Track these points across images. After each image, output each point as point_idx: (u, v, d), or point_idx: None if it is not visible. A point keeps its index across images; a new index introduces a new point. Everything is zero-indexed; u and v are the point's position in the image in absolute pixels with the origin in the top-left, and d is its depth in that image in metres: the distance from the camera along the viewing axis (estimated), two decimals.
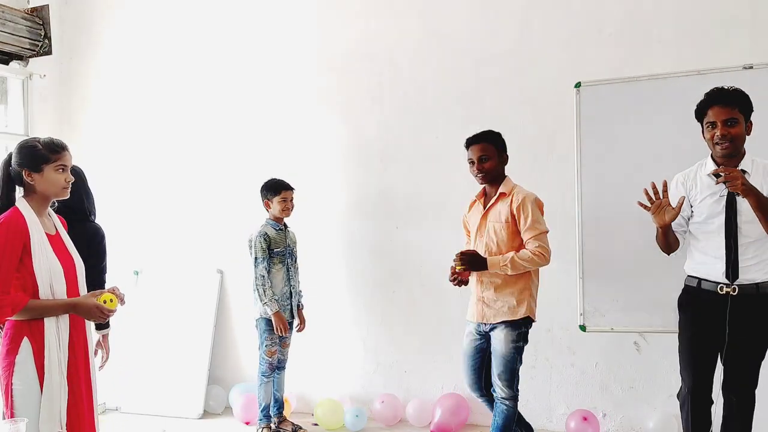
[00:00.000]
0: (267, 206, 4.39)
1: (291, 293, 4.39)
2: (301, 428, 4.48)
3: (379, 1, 4.84)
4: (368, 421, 4.67)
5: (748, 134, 2.96)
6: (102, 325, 3.09)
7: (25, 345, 2.47)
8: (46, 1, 5.31)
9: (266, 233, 4.31)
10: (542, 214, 3.46)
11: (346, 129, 4.90)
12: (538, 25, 4.45)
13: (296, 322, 4.46)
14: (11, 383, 2.45)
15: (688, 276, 3.11)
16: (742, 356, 2.96)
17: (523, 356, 3.51)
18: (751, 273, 2.89)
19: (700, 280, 3.03)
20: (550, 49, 4.40)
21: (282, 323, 4.25)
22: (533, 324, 3.52)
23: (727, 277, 2.92)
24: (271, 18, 5.10)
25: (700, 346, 3.04)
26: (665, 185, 3.02)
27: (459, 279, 3.53)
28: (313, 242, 4.83)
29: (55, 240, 2.61)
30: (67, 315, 2.56)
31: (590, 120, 3.59)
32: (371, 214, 4.87)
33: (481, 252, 3.48)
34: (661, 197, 3.00)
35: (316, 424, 4.66)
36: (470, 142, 3.57)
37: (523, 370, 4.47)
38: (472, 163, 3.54)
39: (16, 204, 2.55)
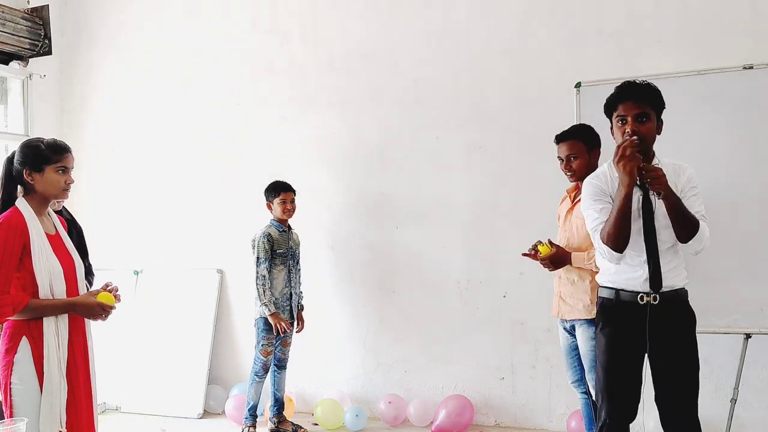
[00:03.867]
0: (269, 208, 4.40)
1: (291, 294, 4.40)
2: (301, 428, 4.48)
3: (379, 0, 4.84)
4: (369, 421, 4.67)
5: (659, 133, 2.77)
6: None
7: (24, 344, 2.47)
8: (46, 1, 5.31)
9: (269, 234, 4.32)
10: None
11: (346, 129, 4.90)
12: (538, 25, 4.45)
13: (295, 322, 4.46)
14: (10, 382, 2.46)
15: (603, 287, 2.83)
16: (677, 373, 2.69)
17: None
18: (670, 280, 2.69)
19: (617, 290, 2.75)
20: (550, 49, 4.40)
21: (279, 323, 4.25)
22: None
23: (651, 285, 2.69)
24: (271, 18, 5.11)
25: (624, 366, 2.74)
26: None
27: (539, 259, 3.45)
28: (313, 242, 4.83)
29: (54, 240, 2.61)
30: (67, 314, 2.56)
31: (590, 120, 3.59)
32: (371, 214, 4.87)
33: (563, 245, 3.45)
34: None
35: (316, 424, 4.66)
36: (559, 139, 3.42)
37: (523, 370, 4.49)
38: (561, 161, 3.43)
39: (16, 204, 2.56)
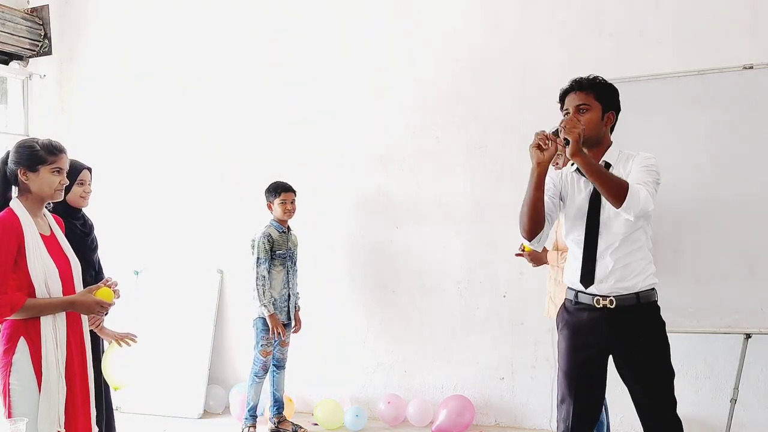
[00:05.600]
0: (270, 208, 4.40)
1: (289, 295, 4.40)
2: (301, 428, 4.48)
3: (377, 1, 4.84)
4: (368, 421, 4.67)
5: (609, 127, 2.69)
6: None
7: (22, 345, 2.47)
8: (46, 1, 5.31)
9: (270, 234, 4.32)
10: None
11: (346, 129, 4.90)
12: (538, 25, 4.45)
13: (292, 323, 4.46)
14: (8, 383, 2.45)
15: (567, 288, 2.77)
16: (646, 380, 2.61)
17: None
18: (628, 280, 2.59)
19: (577, 292, 2.70)
20: (550, 49, 4.39)
21: (277, 325, 4.25)
22: None
23: (581, 280, 2.64)
24: (270, 18, 5.10)
25: (581, 369, 2.68)
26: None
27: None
28: (313, 242, 4.83)
29: (49, 240, 2.61)
30: (64, 314, 2.56)
31: None
32: (371, 214, 4.86)
33: (551, 243, 3.47)
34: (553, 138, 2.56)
35: (316, 424, 4.66)
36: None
37: (523, 370, 4.49)
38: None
39: (10, 205, 2.56)
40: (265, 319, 4.28)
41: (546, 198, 2.67)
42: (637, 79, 3.88)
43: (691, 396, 4.12)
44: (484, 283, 4.61)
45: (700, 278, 3.69)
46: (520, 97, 4.46)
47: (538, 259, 3.52)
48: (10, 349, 2.47)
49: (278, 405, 4.49)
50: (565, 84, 2.74)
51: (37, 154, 2.56)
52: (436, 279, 4.71)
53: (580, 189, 2.71)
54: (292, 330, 4.48)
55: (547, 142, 2.52)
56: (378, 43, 4.85)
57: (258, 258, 4.28)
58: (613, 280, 2.61)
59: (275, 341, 4.38)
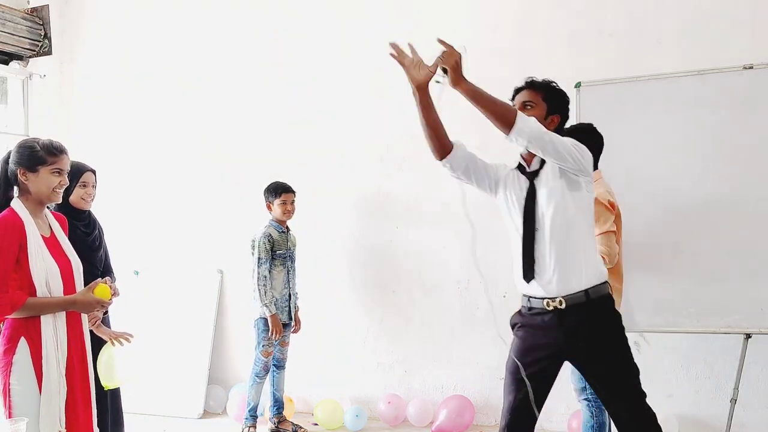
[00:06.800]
0: (269, 208, 4.40)
1: (290, 295, 4.40)
2: (301, 428, 4.48)
3: (377, 1, 4.84)
4: (368, 421, 4.67)
5: (551, 129, 2.66)
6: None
7: (23, 345, 2.47)
8: (46, 1, 5.31)
9: (270, 234, 4.32)
10: (611, 214, 3.25)
11: (346, 129, 4.90)
12: (538, 25, 4.44)
13: (292, 323, 4.46)
14: (9, 383, 2.45)
15: (522, 295, 2.77)
16: (608, 381, 2.59)
17: None
18: (573, 277, 2.57)
19: (529, 298, 2.70)
20: (550, 49, 4.39)
21: (276, 326, 4.25)
22: None
23: (524, 276, 2.65)
24: (270, 18, 5.10)
25: (530, 374, 2.63)
26: (411, 46, 2.61)
27: None
28: (313, 242, 4.83)
29: (50, 241, 2.61)
30: (64, 314, 2.56)
31: (590, 120, 3.60)
32: (371, 214, 4.86)
33: None
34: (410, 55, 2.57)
35: (316, 424, 4.66)
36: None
37: None
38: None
39: (11, 204, 2.56)
40: (266, 319, 4.28)
41: (483, 167, 2.79)
42: (637, 79, 3.88)
43: (691, 396, 4.13)
44: (484, 283, 4.59)
45: (700, 278, 3.69)
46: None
47: None
48: (10, 349, 2.47)
49: (278, 405, 4.49)
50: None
51: (37, 155, 2.56)
52: (436, 279, 4.71)
53: (521, 186, 2.73)
54: (291, 330, 4.48)
55: (400, 51, 2.55)
56: (378, 43, 4.82)
57: (259, 258, 4.28)
58: (558, 278, 2.59)
59: (276, 341, 4.38)
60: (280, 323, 4.29)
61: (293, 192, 4.42)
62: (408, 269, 4.79)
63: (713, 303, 3.65)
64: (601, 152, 3.47)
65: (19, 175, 2.56)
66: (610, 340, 2.62)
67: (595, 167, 3.46)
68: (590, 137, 3.42)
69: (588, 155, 2.63)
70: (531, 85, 2.76)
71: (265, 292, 4.26)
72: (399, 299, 4.81)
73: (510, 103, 2.74)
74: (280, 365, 4.47)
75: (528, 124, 2.49)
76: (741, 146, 3.68)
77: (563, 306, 2.58)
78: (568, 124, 3.63)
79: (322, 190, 4.92)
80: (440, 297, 4.68)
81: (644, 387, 4.24)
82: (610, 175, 3.52)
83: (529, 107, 2.70)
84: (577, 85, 3.96)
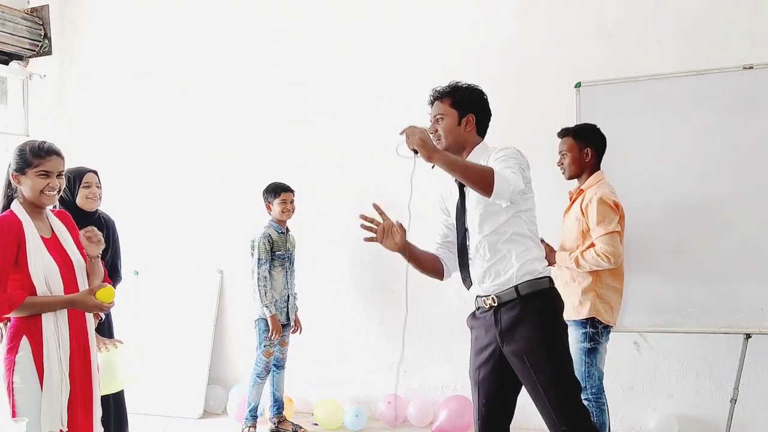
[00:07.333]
0: (268, 208, 4.40)
1: (289, 296, 4.41)
2: (301, 428, 4.48)
3: (377, 1, 4.84)
4: (368, 421, 4.67)
5: (470, 129, 2.71)
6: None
7: (25, 343, 2.48)
8: (46, 1, 5.31)
9: (270, 235, 4.32)
10: (615, 214, 3.31)
11: (346, 129, 4.90)
12: (538, 25, 4.45)
13: (291, 323, 4.46)
14: (12, 381, 2.47)
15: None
16: (533, 377, 2.56)
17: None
18: (504, 275, 2.58)
19: (476, 297, 2.72)
20: (550, 49, 4.39)
21: (276, 327, 4.25)
22: (610, 328, 3.39)
23: (464, 284, 2.72)
24: (270, 18, 5.11)
25: (484, 375, 2.66)
26: (378, 208, 2.80)
27: None
28: (313, 242, 4.83)
29: (51, 242, 2.61)
30: (66, 313, 2.56)
31: (590, 120, 3.60)
32: (371, 214, 4.84)
33: (558, 244, 3.49)
34: (381, 220, 2.74)
35: (316, 424, 4.66)
36: (559, 135, 3.55)
37: None
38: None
39: (11, 206, 2.58)
40: (266, 320, 4.28)
41: (445, 228, 2.85)
42: (637, 79, 3.89)
43: (691, 396, 4.13)
44: None
45: (700, 278, 3.69)
46: (521, 97, 4.45)
47: (546, 260, 3.49)
48: (13, 348, 2.48)
49: (278, 405, 4.49)
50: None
51: (23, 157, 2.56)
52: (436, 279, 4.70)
53: (454, 195, 2.79)
54: (290, 330, 4.48)
55: (380, 227, 2.82)
56: (378, 43, 4.85)
57: (259, 259, 4.28)
58: (491, 278, 2.61)
59: (276, 341, 4.38)
60: (280, 324, 4.29)
61: (292, 191, 4.42)
62: (408, 269, 4.77)
63: (713, 303, 3.65)
64: (603, 153, 3.48)
65: (12, 178, 2.59)
66: (537, 331, 2.56)
67: (597, 168, 3.48)
68: (594, 138, 3.44)
69: (513, 177, 2.52)
70: (435, 96, 2.74)
71: (266, 293, 4.26)
72: (399, 299, 4.81)
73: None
74: (280, 365, 4.47)
75: (507, 185, 2.44)
76: (741, 146, 3.68)
77: (496, 303, 2.61)
78: (568, 125, 3.66)
79: (322, 190, 4.91)
80: (440, 297, 4.67)
81: (644, 387, 4.26)
82: (610, 175, 3.53)
83: (440, 119, 2.72)
84: (577, 85, 3.96)
